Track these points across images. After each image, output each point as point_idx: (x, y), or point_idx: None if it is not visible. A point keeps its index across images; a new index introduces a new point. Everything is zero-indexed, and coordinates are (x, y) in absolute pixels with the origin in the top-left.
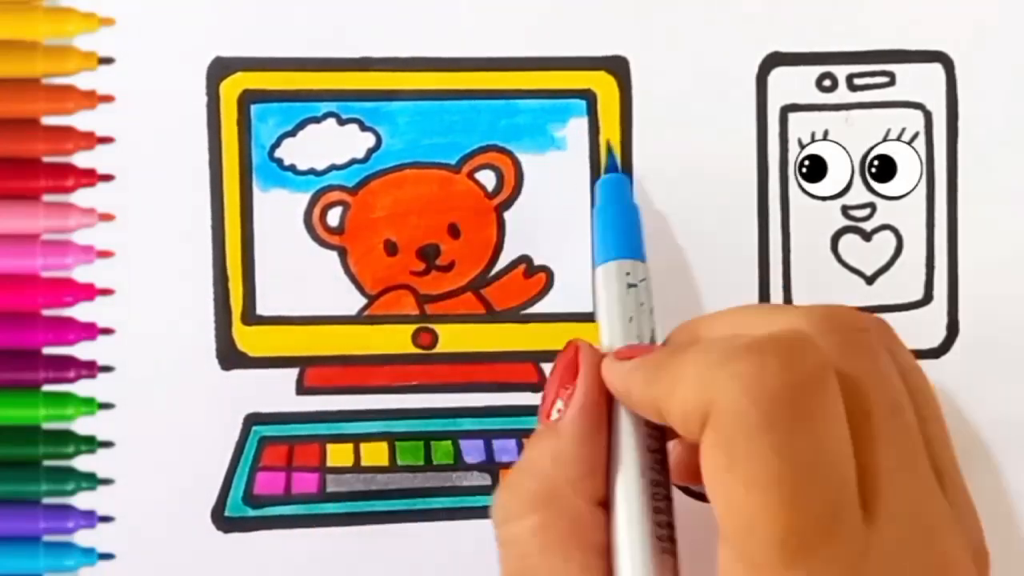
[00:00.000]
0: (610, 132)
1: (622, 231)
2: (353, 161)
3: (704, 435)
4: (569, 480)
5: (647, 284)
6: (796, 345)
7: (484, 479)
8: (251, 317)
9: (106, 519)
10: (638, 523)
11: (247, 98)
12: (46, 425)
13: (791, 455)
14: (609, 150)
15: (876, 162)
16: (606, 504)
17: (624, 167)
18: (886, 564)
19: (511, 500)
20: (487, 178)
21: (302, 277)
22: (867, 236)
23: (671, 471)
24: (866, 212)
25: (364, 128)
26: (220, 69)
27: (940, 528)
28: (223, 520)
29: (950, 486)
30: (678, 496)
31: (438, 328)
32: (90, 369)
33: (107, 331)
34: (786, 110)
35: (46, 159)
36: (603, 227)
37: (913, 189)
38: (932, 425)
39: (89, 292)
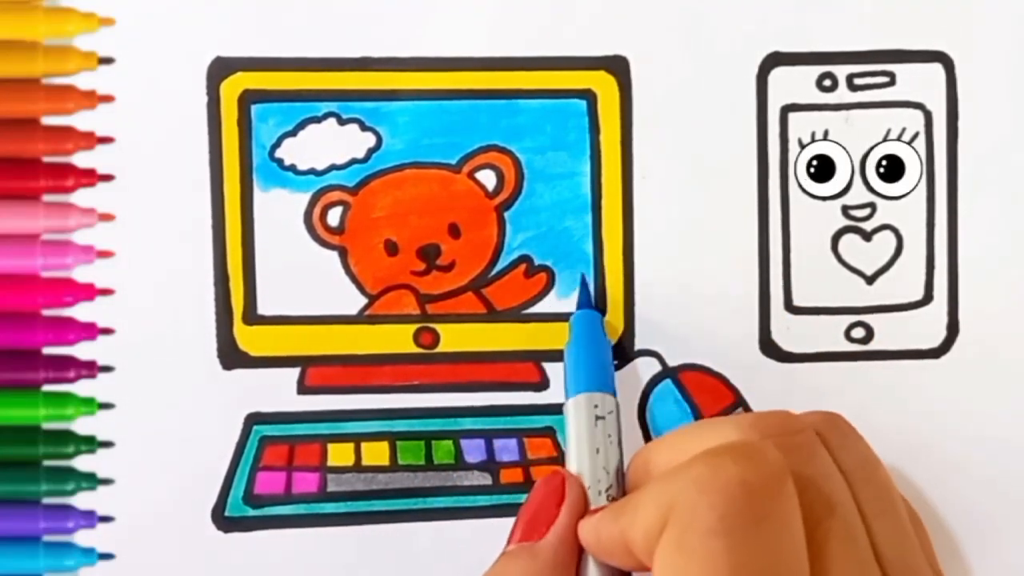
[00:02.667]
0: (610, 132)
1: (592, 365)
2: (353, 161)
3: (661, 540)
4: None
5: (615, 417)
6: (752, 448)
7: (485, 479)
8: (252, 317)
9: (106, 519)
10: None
11: (247, 98)
12: (46, 425)
13: (746, 560)
14: (583, 284)
15: (885, 162)
16: None
17: (624, 167)
18: None
19: None
20: (487, 178)
21: (303, 277)
22: (867, 236)
23: None
24: (866, 212)
25: (364, 128)
26: (220, 69)
27: None
28: (223, 520)
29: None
30: None
31: (439, 328)
32: (90, 369)
33: (107, 331)
34: (786, 110)
35: (46, 159)
36: (574, 361)
37: (913, 189)
38: (881, 520)
39: (89, 292)
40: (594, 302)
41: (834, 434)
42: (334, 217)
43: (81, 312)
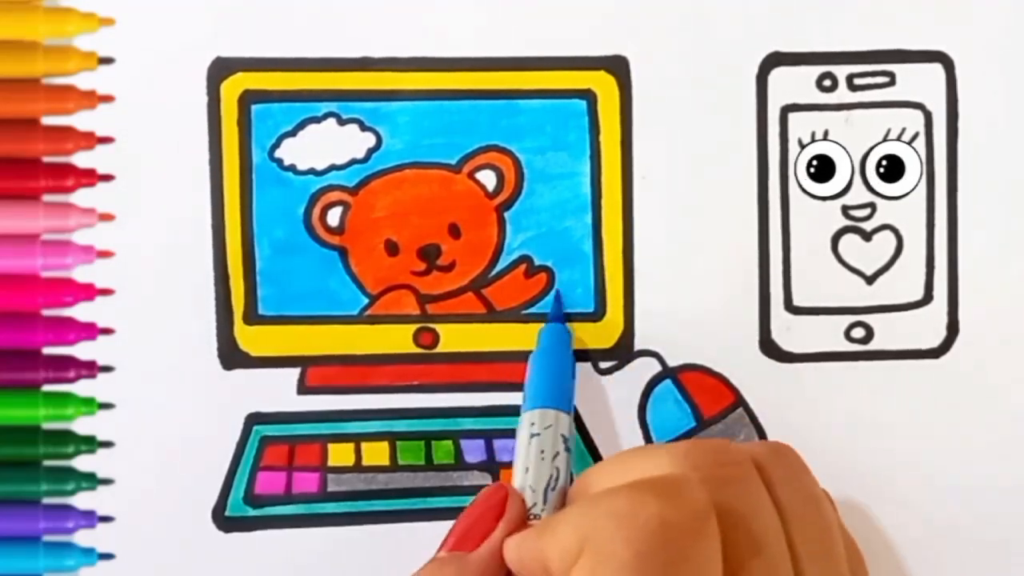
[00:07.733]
0: (610, 132)
1: (540, 381)
2: (353, 161)
3: (575, 568)
4: None
5: (552, 433)
6: (677, 484)
7: (485, 478)
8: (253, 316)
9: (106, 519)
10: None
11: (248, 98)
12: (46, 425)
13: None
14: (557, 298)
15: (884, 162)
16: None
17: (624, 167)
18: None
19: None
20: (487, 178)
21: (303, 277)
22: (867, 236)
23: None
24: (866, 212)
25: (364, 128)
26: (220, 69)
27: None
28: (224, 520)
29: None
30: None
31: (439, 328)
32: (90, 369)
33: (107, 331)
34: (786, 110)
35: (46, 159)
36: (528, 376)
37: (913, 189)
38: (815, 564)
39: (89, 292)
40: (563, 317)
41: (777, 467)
42: (334, 217)
43: (81, 312)
